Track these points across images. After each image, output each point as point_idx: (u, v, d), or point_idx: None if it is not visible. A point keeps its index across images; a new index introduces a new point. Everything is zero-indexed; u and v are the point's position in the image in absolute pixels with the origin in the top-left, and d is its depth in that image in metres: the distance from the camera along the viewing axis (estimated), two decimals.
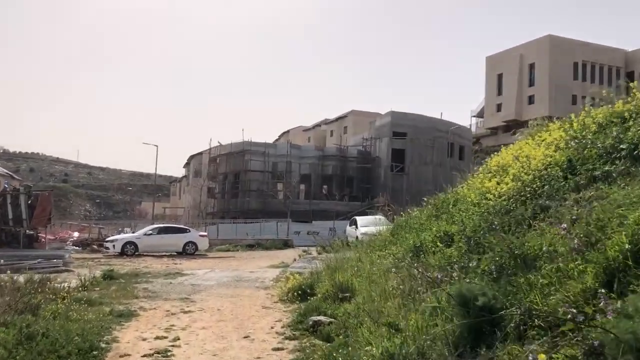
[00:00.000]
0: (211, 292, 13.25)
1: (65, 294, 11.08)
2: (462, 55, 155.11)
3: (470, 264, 6.85)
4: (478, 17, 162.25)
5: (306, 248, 23.36)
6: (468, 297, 5.71)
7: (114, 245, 26.06)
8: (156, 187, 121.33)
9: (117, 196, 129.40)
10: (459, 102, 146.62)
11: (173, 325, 9.01)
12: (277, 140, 72.02)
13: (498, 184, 9.57)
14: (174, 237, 27.22)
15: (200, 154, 59.53)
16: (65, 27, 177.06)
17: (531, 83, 69.43)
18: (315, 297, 10.01)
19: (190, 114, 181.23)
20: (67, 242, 31.42)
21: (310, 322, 8.26)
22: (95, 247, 29.25)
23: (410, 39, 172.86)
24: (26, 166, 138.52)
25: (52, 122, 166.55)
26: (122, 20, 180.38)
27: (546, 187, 8.44)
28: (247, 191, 48.04)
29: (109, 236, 31.42)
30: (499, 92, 73.47)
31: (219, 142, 51.29)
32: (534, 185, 8.68)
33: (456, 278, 6.70)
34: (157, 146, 48.13)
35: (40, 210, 21.64)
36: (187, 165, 67.74)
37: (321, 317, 8.35)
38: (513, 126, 73.04)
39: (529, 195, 8.58)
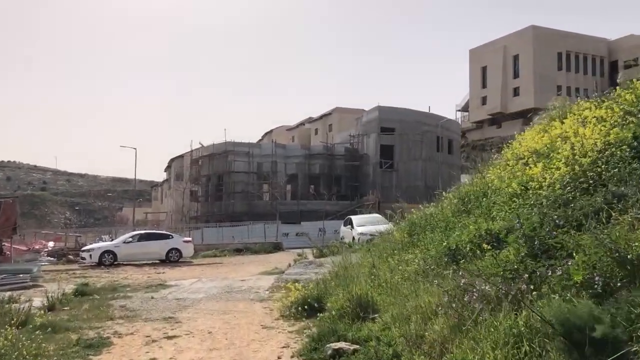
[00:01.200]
0: (199, 308, 11.38)
1: (25, 318, 9.21)
2: (446, 48, 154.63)
3: (549, 273, 5.11)
4: (461, 9, 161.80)
5: (300, 251, 21.53)
6: (576, 324, 3.97)
7: (90, 255, 23.99)
8: (137, 192, 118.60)
9: (97, 203, 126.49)
10: (444, 97, 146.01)
11: (154, 359, 7.16)
12: (260, 140, 70.02)
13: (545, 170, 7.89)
14: (156, 244, 25.22)
15: (182, 156, 57.33)
16: (38, 33, 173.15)
17: (516, 75, 68.40)
18: (326, 314, 8.21)
19: (171, 116, 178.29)
20: (41, 253, 29.23)
21: (329, 352, 6.46)
22: (71, 257, 27.12)
23: (392, 34, 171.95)
24: (2, 175, 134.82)
25: (29, 130, 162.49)
26: (98, 23, 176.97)
27: (614, 170, 6.77)
28: (231, 193, 46.08)
29: (86, 245, 29.30)
30: (484, 85, 72.38)
31: (200, 144, 49.26)
32: (597, 169, 7.01)
33: (534, 293, 4.97)
34: (135, 149, 45.98)
35: (4, 219, 19.51)
36: (168, 168, 65.45)
37: (342, 344, 6.55)
38: (499, 119, 72.06)
39: (591, 182, 6.90)
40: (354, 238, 21.90)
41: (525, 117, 70.76)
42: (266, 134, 73.70)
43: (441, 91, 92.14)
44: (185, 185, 50.94)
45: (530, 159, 9.40)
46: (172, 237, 25.82)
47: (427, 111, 49.73)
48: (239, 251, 29.16)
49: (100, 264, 23.89)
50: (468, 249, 7.33)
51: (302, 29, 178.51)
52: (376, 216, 24.27)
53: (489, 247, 6.77)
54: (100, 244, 25.98)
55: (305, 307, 9.30)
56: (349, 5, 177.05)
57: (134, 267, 23.60)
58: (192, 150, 51.59)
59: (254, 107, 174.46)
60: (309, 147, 50.76)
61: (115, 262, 24.36)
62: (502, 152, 12.86)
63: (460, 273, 6.39)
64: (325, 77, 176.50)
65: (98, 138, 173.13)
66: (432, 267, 7.82)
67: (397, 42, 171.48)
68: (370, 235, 22.03)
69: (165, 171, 67.24)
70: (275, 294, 12.69)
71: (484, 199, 9.17)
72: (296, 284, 11.72)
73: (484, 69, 72.30)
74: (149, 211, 72.42)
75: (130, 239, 24.94)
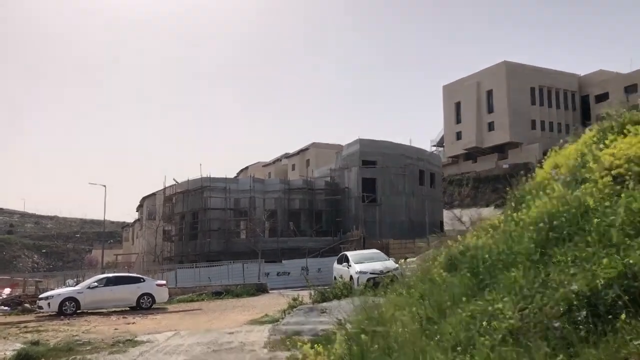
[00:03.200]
0: None
1: None
2: (418, 85, 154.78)
3: None
4: (433, 47, 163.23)
5: (297, 295, 18.03)
6: None
7: (48, 304, 20.38)
8: (107, 233, 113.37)
9: (67, 245, 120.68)
10: (418, 132, 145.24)
11: None
12: (236, 177, 66.88)
13: None
14: (126, 288, 21.75)
15: (154, 194, 53.80)
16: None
17: (490, 109, 67.32)
18: None
19: (141, 156, 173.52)
20: None
21: None
22: (28, 306, 23.33)
23: (365, 70, 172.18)
24: None
25: None
26: (59, 57, 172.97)
27: None
28: (207, 231, 42.69)
29: (47, 291, 25.57)
30: (458, 120, 71.11)
31: (174, 180, 45.96)
32: None
33: None
34: (105, 186, 42.40)
35: None
36: (140, 207, 61.59)
37: None
38: (474, 154, 70.60)
39: None
40: (351, 278, 18.93)
41: (501, 151, 69.79)
42: (241, 170, 70.66)
43: (416, 127, 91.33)
44: (158, 223, 47.28)
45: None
46: (144, 281, 22.36)
47: (409, 144, 47.54)
48: (218, 294, 25.79)
49: (60, 313, 20.31)
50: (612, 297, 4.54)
51: (274, 66, 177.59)
52: (375, 252, 21.40)
53: None
54: (61, 290, 22.31)
55: None
56: (319, 40, 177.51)
57: (99, 316, 20.11)
58: (165, 188, 48.19)
59: (228, 143, 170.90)
60: (288, 181, 47.87)
61: (79, 311, 20.82)
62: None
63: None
64: (300, 112, 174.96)
65: (67, 179, 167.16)
66: (541, 321, 5.00)
67: (369, 79, 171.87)
68: (372, 274, 19.16)
69: (137, 210, 63.32)
70: (279, 354, 9.64)
71: (586, 222, 6.40)
72: (303, 340, 8.74)
73: (457, 105, 71.17)
74: (119, 253, 68.09)
75: (96, 284, 21.41)
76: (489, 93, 67.29)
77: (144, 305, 21.61)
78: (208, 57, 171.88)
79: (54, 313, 20.62)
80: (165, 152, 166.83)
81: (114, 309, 22.13)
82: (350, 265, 19.86)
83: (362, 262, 19.76)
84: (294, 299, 16.00)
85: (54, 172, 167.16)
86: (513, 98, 64.49)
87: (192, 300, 24.78)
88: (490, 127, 66.97)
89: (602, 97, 65.84)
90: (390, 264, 19.53)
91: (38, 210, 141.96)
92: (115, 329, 15.75)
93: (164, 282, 23.91)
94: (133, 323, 17.47)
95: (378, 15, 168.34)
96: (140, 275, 23.47)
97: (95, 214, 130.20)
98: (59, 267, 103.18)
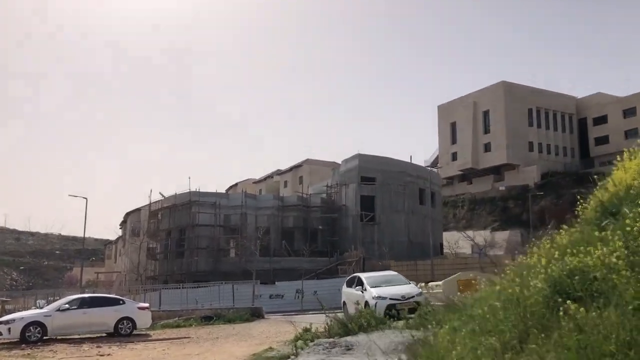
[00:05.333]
0: None
1: None
2: (412, 104, 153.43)
3: None
4: (428, 67, 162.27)
5: (308, 324, 14.86)
6: None
7: (9, 329, 16.99)
8: (89, 251, 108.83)
9: (47, 262, 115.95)
10: (411, 153, 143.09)
11: None
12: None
13: None
14: (103, 311, 18.50)
15: (139, 209, 50.45)
16: None
17: (486, 130, 65.26)
18: None
19: (127, 170, 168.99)
20: None
21: None
22: None
23: (358, 88, 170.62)
24: None
25: None
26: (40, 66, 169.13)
27: None
28: (194, 249, 39.46)
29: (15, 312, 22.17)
30: (453, 141, 68.92)
31: (161, 194, 42.78)
32: None
33: None
34: (86, 199, 39.06)
35: None
36: (123, 223, 58.07)
37: None
38: (469, 175, 68.30)
39: None
40: (366, 304, 15.90)
41: (497, 172, 67.59)
42: (231, 187, 67.49)
43: (409, 147, 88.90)
44: (141, 239, 43.91)
45: None
46: (124, 303, 19.10)
47: (409, 161, 44.94)
48: (208, 319, 22.57)
49: (23, 340, 16.99)
50: None
51: (269, 81, 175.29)
52: (392, 274, 18.40)
53: None
54: (25, 313, 18.93)
55: None
56: (310, 57, 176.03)
57: (69, 344, 16.83)
58: (150, 203, 44.95)
59: (216, 160, 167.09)
60: (282, 197, 44.88)
61: (45, 337, 17.53)
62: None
63: None
64: (292, 130, 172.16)
65: (50, 195, 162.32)
66: None
67: (361, 98, 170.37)
68: (391, 300, 16.20)
69: (120, 227, 59.75)
70: None
71: None
72: None
73: (453, 125, 69.07)
74: (101, 271, 64.33)
75: (67, 306, 18.09)
76: (486, 113, 65.31)
77: (123, 332, 18.37)
78: (200, 68, 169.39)
79: (15, 340, 17.32)
80: (153, 167, 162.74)
81: (88, 335, 18.91)
82: (365, 289, 16.83)
83: (379, 285, 16.77)
84: (306, 330, 12.98)
85: (36, 187, 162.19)
86: (511, 119, 62.53)
87: (178, 326, 21.55)
88: (487, 147, 64.84)
89: (600, 120, 64.24)
90: (412, 288, 16.62)
91: (19, 227, 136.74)
92: None
93: (146, 305, 20.66)
94: (108, 355, 14.29)
95: (373, 32, 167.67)
96: (119, 297, 20.22)
97: (79, 232, 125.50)
98: (38, 285, 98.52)
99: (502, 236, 56.30)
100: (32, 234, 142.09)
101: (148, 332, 19.64)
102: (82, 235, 48.75)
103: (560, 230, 8.68)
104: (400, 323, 12.29)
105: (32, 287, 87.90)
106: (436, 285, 17.24)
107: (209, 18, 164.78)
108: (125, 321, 18.50)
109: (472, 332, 7.50)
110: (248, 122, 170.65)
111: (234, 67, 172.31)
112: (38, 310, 19.04)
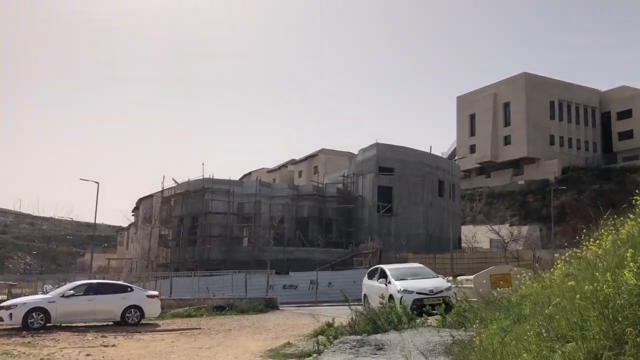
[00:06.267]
0: None
1: None
2: (430, 96, 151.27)
3: None
4: (446, 57, 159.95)
5: (330, 318, 13.61)
6: None
7: (10, 315, 16.00)
8: (103, 237, 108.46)
9: (60, 247, 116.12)
10: (428, 145, 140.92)
11: None
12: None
13: None
14: (109, 299, 17.46)
15: (151, 196, 49.49)
16: None
17: (506, 123, 63.43)
18: None
19: (143, 158, 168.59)
20: None
21: None
22: None
23: (375, 81, 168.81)
24: None
25: None
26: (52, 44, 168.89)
27: None
28: (207, 237, 38.45)
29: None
30: (472, 133, 67.18)
31: (174, 180, 41.76)
32: None
33: None
34: (97, 183, 38.10)
35: None
36: (136, 209, 57.26)
37: None
38: (488, 168, 66.58)
39: None
40: (390, 298, 14.63)
41: (517, 166, 65.83)
42: (244, 176, 66.36)
43: (426, 139, 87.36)
44: (153, 224, 42.97)
45: None
46: (132, 290, 18.02)
47: (429, 152, 43.48)
48: (220, 309, 21.49)
49: (25, 327, 16.01)
50: None
51: (283, 71, 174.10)
52: (418, 267, 17.13)
53: None
54: (28, 298, 17.90)
55: None
56: (326, 47, 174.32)
57: (73, 332, 15.80)
58: (163, 189, 43.96)
59: (230, 149, 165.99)
60: (297, 186, 43.66)
61: (49, 325, 16.54)
62: None
63: None
64: (306, 119, 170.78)
65: (66, 180, 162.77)
66: None
67: (378, 88, 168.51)
68: (418, 294, 14.94)
69: (132, 213, 58.96)
70: None
71: None
72: None
73: (472, 117, 67.30)
74: (113, 257, 63.72)
75: (72, 292, 17.07)
76: (506, 105, 63.50)
77: (130, 321, 17.33)
78: (216, 59, 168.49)
79: (17, 326, 16.34)
80: (167, 153, 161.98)
81: (94, 323, 17.89)
82: (389, 282, 15.59)
83: (405, 278, 15.54)
84: (329, 325, 11.75)
85: (52, 173, 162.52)
86: (532, 111, 60.70)
87: (189, 316, 20.48)
88: (507, 140, 63.07)
89: (625, 114, 62.16)
90: (440, 282, 15.36)
91: (34, 211, 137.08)
92: (87, 356, 11.53)
93: (155, 292, 19.57)
94: (113, 346, 13.22)
95: (393, 22, 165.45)
96: (127, 284, 19.16)
97: (91, 217, 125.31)
98: (52, 269, 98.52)
99: (521, 231, 54.73)
100: (46, 219, 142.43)
101: (157, 322, 18.57)
102: (95, 221, 48.07)
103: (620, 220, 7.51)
104: (434, 320, 11.05)
105: (45, 272, 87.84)
106: (466, 280, 15.95)
107: (228, 12, 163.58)
108: (132, 310, 17.46)
109: (537, 335, 6.26)
110: (263, 111, 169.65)
111: (250, 58, 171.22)
112: (42, 296, 18.01)
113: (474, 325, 9.09)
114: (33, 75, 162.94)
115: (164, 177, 73.39)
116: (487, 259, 36.53)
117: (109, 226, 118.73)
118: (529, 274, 11.18)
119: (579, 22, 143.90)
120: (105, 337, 14.90)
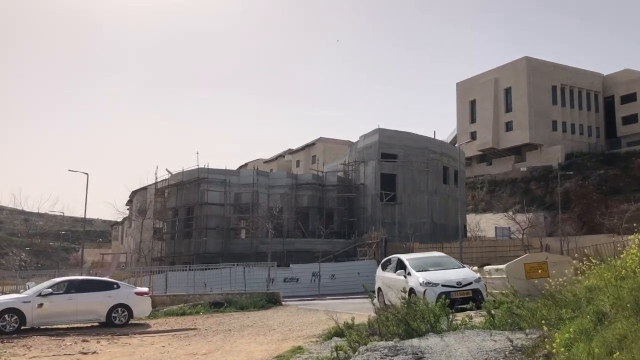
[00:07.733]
0: None
1: None
2: (429, 82, 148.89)
3: None
4: (445, 44, 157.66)
5: (340, 312, 11.52)
6: None
7: None
8: (97, 232, 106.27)
9: (50, 243, 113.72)
10: (429, 132, 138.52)
11: None
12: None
13: None
14: (93, 297, 15.46)
15: (145, 188, 47.43)
16: None
17: (508, 108, 61.42)
18: None
19: (136, 151, 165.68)
20: None
21: None
22: None
23: (374, 66, 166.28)
24: None
25: None
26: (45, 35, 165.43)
27: None
28: (203, 229, 36.42)
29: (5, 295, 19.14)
30: (473, 120, 65.17)
31: (167, 171, 39.69)
32: None
33: None
34: (87, 174, 36.06)
35: None
36: (129, 202, 55.17)
37: None
38: (489, 155, 64.63)
39: None
40: (411, 291, 12.64)
41: (518, 153, 63.93)
42: (241, 167, 64.25)
43: (427, 126, 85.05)
44: (145, 216, 40.92)
45: None
46: (118, 287, 15.99)
47: (433, 137, 41.48)
48: (217, 306, 19.50)
49: None
50: None
51: (280, 60, 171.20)
52: (441, 255, 15.16)
53: None
54: (0, 298, 15.97)
55: None
56: (324, 34, 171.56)
57: (50, 336, 13.79)
58: (156, 180, 41.90)
59: (225, 139, 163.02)
60: (296, 175, 41.60)
61: (24, 327, 14.54)
62: None
63: None
64: (304, 108, 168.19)
65: (60, 175, 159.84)
66: None
67: (377, 74, 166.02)
68: (444, 286, 12.96)
69: (126, 206, 56.87)
70: None
71: None
72: None
73: (472, 103, 65.27)
74: (107, 252, 61.67)
75: (50, 290, 15.06)
76: (507, 91, 61.49)
77: (117, 322, 15.34)
78: (211, 47, 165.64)
79: None
80: (161, 145, 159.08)
81: (76, 325, 15.90)
82: (408, 274, 13.61)
83: (426, 269, 13.56)
84: (348, 326, 9.76)
85: (46, 168, 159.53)
86: (533, 96, 58.71)
87: (183, 313, 18.49)
88: (508, 126, 61.12)
89: (628, 98, 60.30)
90: (468, 272, 13.39)
91: (28, 207, 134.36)
92: None
93: (145, 289, 17.55)
94: (93, 353, 11.24)
95: (391, 7, 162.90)
96: (114, 280, 17.12)
97: (88, 213, 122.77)
98: (47, 265, 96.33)
99: (524, 218, 53.03)
100: (41, 215, 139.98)
101: (147, 322, 16.59)
102: (89, 216, 46.18)
103: None
104: (478, 318, 9.13)
105: (41, 269, 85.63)
106: (495, 270, 13.98)
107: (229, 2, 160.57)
108: (119, 309, 15.49)
109: None
110: (259, 100, 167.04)
111: (245, 48, 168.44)
112: (15, 296, 15.95)
113: (541, 326, 7.12)
114: (24, 69, 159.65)
115: (157, 168, 71.29)
116: (497, 247, 34.74)
117: (104, 221, 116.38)
118: (583, 262, 9.20)
119: (581, 5, 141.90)
120: (87, 341, 12.90)
